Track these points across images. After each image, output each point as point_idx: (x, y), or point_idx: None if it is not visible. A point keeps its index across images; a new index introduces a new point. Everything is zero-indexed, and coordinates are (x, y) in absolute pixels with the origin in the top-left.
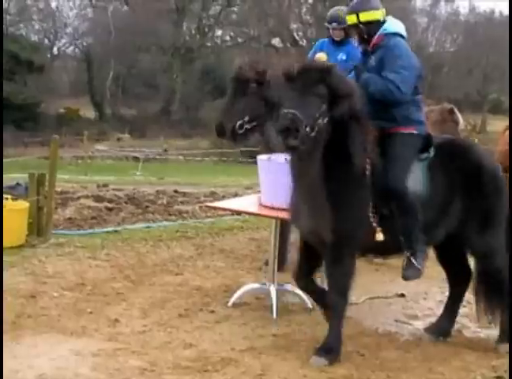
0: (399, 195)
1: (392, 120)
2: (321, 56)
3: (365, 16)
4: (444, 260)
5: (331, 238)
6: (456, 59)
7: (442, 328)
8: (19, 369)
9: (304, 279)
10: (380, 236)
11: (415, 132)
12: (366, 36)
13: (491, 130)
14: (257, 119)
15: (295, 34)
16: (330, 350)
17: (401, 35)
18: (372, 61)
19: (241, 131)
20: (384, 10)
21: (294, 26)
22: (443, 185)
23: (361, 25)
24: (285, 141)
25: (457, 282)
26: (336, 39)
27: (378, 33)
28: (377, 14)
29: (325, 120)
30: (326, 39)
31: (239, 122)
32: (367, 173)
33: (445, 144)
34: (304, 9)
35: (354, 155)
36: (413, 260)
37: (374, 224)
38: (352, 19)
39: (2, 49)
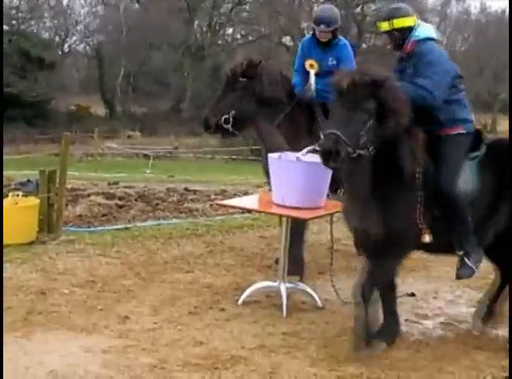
0: (450, 197)
1: (437, 122)
2: (312, 64)
3: (398, 23)
4: (494, 258)
5: (379, 239)
6: (466, 59)
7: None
8: (29, 366)
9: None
10: (426, 238)
11: (462, 131)
12: (400, 42)
13: (501, 130)
14: (245, 114)
15: (306, 32)
16: (388, 335)
17: (432, 39)
18: (409, 69)
19: (227, 125)
20: (415, 16)
21: (305, 24)
22: (493, 184)
23: (395, 32)
24: (325, 163)
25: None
26: (323, 40)
27: (411, 40)
28: (409, 21)
29: (371, 135)
30: (309, 39)
31: (224, 117)
32: (418, 176)
33: (495, 143)
34: (315, 8)
35: (404, 165)
36: (466, 260)
37: (423, 226)
38: (385, 26)
39: (2, 46)
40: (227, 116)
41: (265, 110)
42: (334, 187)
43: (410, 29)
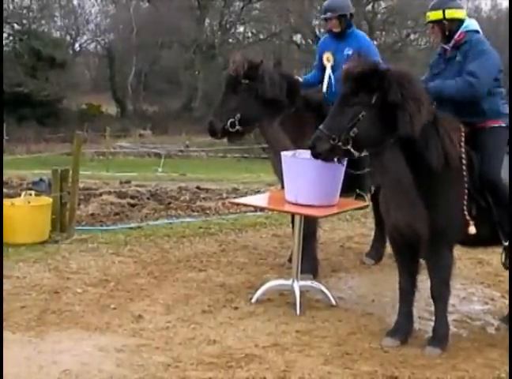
0: (495, 186)
1: (481, 114)
2: (328, 57)
3: (451, 14)
4: None
5: (427, 233)
6: None
7: None
8: (43, 365)
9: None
10: (473, 229)
11: (503, 124)
12: (447, 33)
13: None
14: (250, 116)
15: (316, 30)
16: (442, 339)
17: (479, 32)
18: (458, 57)
19: (233, 129)
20: (465, 11)
21: (315, 22)
22: None
23: (445, 22)
24: (312, 155)
25: None
26: (336, 30)
27: (460, 30)
28: (461, 13)
29: (365, 127)
30: (326, 35)
31: (230, 121)
32: (464, 167)
33: None
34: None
35: (430, 159)
36: None
37: (468, 217)
38: (437, 15)
39: (2, 46)
40: (232, 120)
41: (269, 111)
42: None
43: (460, 22)
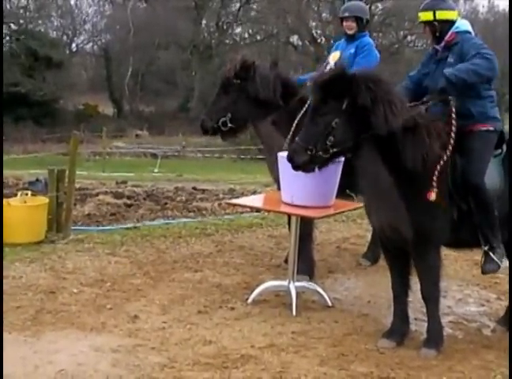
0: (478, 190)
1: (469, 116)
2: (335, 55)
3: (442, 15)
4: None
5: (412, 235)
6: None
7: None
8: (39, 365)
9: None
10: (432, 196)
11: (491, 128)
12: (438, 34)
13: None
14: (241, 116)
15: (313, 31)
16: (437, 340)
17: (470, 33)
18: (450, 58)
19: (225, 128)
20: (458, 11)
21: (313, 24)
22: None
23: (436, 23)
24: (292, 168)
25: None
26: (349, 32)
27: (451, 31)
28: (453, 14)
29: (344, 133)
30: (342, 39)
31: (221, 120)
32: (447, 170)
33: None
34: (323, 7)
35: (404, 160)
36: (492, 255)
37: (434, 184)
38: (427, 16)
39: (2, 46)
40: (224, 119)
41: (261, 111)
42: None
43: (451, 23)
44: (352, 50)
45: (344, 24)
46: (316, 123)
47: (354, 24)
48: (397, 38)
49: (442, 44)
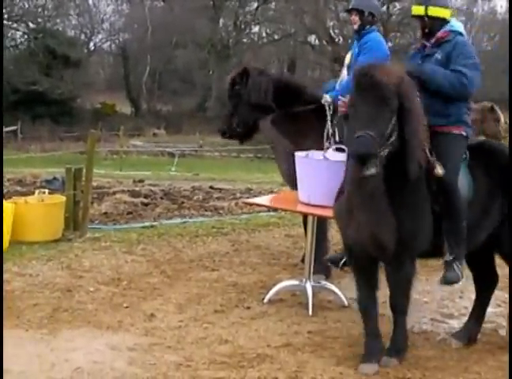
0: (452, 190)
1: (446, 116)
2: (348, 56)
3: (433, 11)
4: (473, 263)
5: (394, 245)
6: (492, 58)
7: (470, 333)
8: (56, 363)
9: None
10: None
11: (464, 134)
12: (427, 31)
13: None
14: (244, 120)
15: (331, 31)
16: (400, 349)
17: (463, 35)
18: (438, 54)
19: (236, 132)
20: (451, 11)
21: (330, 23)
22: (484, 187)
23: (426, 19)
24: (363, 171)
25: (485, 286)
26: (354, 26)
27: (444, 29)
28: (445, 12)
29: (395, 135)
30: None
31: (232, 125)
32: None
33: (476, 146)
34: (341, 7)
35: (410, 171)
36: (455, 265)
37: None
38: (419, 10)
39: (2, 43)
40: (235, 124)
41: (258, 114)
42: None
43: (442, 21)
44: (357, 50)
45: (351, 18)
46: (382, 118)
47: (357, 18)
48: (415, 38)
49: (433, 40)
